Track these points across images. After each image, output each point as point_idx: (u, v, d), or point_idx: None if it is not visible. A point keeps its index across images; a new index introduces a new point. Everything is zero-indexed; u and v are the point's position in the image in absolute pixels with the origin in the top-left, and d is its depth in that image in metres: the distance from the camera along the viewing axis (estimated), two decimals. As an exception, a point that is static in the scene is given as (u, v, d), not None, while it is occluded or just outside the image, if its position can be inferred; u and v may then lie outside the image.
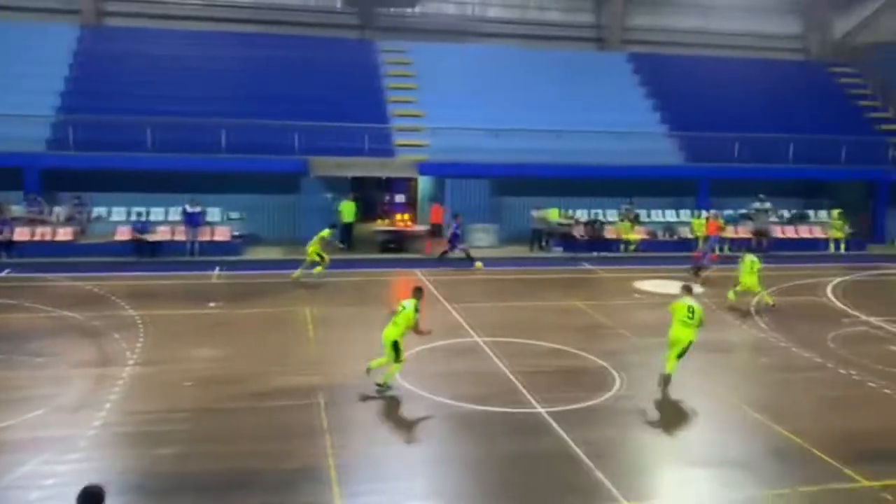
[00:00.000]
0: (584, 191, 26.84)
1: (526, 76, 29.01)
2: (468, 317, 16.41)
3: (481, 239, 25.05)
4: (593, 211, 26.43)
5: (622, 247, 25.07)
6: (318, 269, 19.46)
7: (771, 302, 17.79)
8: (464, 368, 13.17)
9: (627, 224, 25.37)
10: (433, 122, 25.89)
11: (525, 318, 16.70)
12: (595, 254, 24.62)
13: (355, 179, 25.39)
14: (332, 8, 31.41)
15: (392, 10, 31.32)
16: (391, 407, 11.39)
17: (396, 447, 10.15)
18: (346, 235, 23.68)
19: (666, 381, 11.97)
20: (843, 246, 26.28)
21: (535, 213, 25.01)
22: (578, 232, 25.22)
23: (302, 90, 26.66)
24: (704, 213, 26.08)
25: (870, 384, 12.84)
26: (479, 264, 21.84)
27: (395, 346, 11.61)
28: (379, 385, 11.71)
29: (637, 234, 25.46)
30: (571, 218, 25.63)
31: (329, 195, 24.29)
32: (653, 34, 33.46)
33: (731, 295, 17.90)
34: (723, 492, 9.11)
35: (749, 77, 31.22)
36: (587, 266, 23.24)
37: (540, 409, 11.25)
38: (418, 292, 12.10)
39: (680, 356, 11.99)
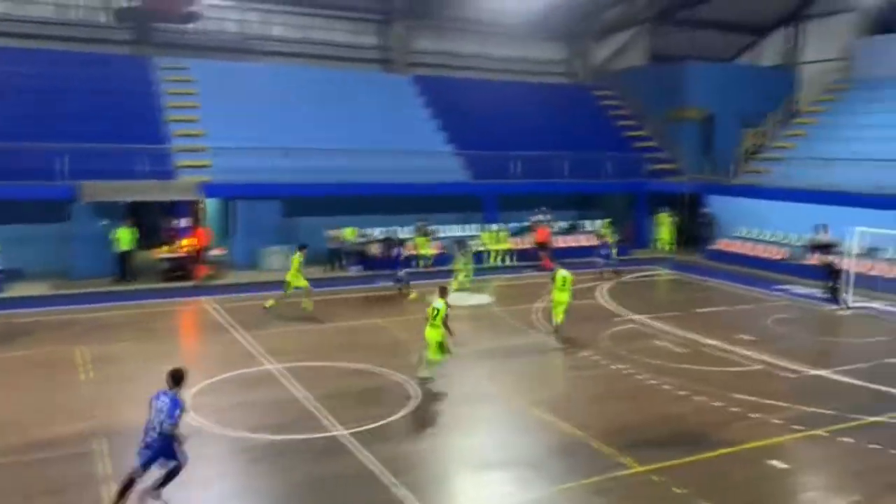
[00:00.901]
0: (377, 209, 27.14)
1: (313, 96, 28.83)
2: (262, 344, 15.89)
3: (276, 262, 24.43)
4: (388, 228, 26.78)
5: (421, 262, 25.65)
6: (306, 303, 18.87)
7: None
8: (259, 398, 12.71)
9: (424, 239, 26.03)
10: (216, 141, 24.86)
11: (322, 340, 16.50)
12: (392, 271, 24.92)
13: (135, 204, 23.68)
14: (103, 23, 29.18)
15: (169, 25, 29.75)
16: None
17: (192, 489, 9.49)
18: (123, 265, 22.06)
19: (557, 329, 16.50)
20: (615, 252, 28.80)
21: (330, 233, 24.86)
22: (375, 250, 25.44)
23: (70, 109, 24.43)
24: (496, 226, 27.65)
25: (637, 377, 14.17)
26: (414, 294, 21.04)
27: (441, 345, 13.24)
28: (424, 378, 13.27)
29: (433, 249, 26.18)
30: (367, 236, 25.77)
31: (104, 222, 22.44)
32: (436, 57, 34.75)
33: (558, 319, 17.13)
34: (517, 492, 9.56)
35: (524, 99, 33.40)
36: (385, 283, 23.47)
37: (340, 432, 11.14)
38: (444, 291, 13.92)
39: (565, 311, 16.54)
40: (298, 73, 30.45)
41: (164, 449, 8.55)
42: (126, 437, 10.85)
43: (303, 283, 18.87)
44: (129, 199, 22.94)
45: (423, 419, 11.78)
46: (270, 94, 28.10)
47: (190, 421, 11.36)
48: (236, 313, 18.69)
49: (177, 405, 8.57)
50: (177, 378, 8.82)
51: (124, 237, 22.10)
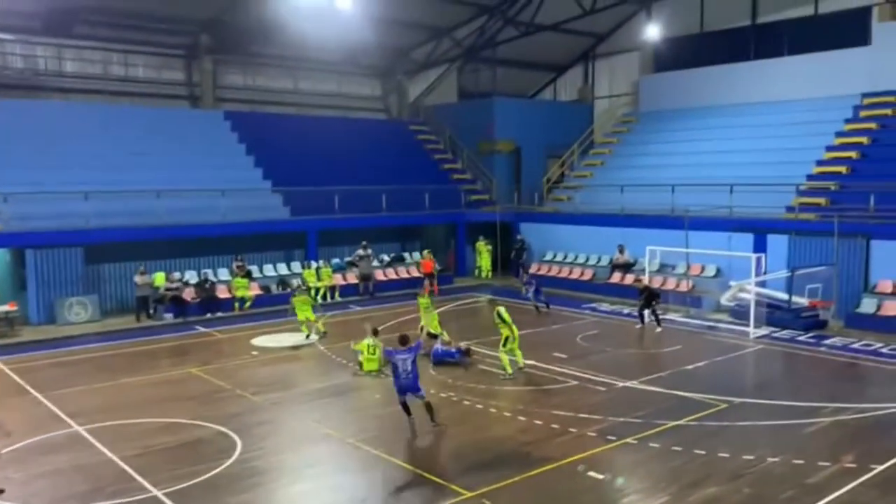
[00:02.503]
0: (190, 251, 25.88)
1: (117, 133, 27.02)
2: (64, 404, 14.50)
3: (79, 314, 22.54)
4: (203, 271, 25.60)
5: (236, 305, 24.67)
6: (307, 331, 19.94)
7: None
8: (66, 464, 11.55)
9: (242, 280, 25.01)
10: (3, 186, 22.64)
11: (133, 395, 15.32)
12: (209, 315, 23.84)
13: None
14: None
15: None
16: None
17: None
18: None
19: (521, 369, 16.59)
20: (435, 282, 29.44)
21: (137, 280, 23.31)
22: (189, 294, 24.17)
23: None
24: (317, 263, 27.30)
25: (465, 402, 14.48)
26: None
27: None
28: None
29: (252, 291, 25.29)
30: (179, 280, 24.41)
31: None
32: (246, 93, 33.97)
33: (445, 336, 18.32)
34: (348, 534, 9.37)
35: (342, 134, 33.43)
36: (200, 329, 22.35)
37: (156, 493, 10.36)
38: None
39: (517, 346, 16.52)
40: (99, 110, 28.47)
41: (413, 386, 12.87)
42: None
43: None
44: None
45: (245, 470, 11.25)
46: (67, 133, 26.03)
47: (-24, 501, 10.17)
48: (32, 373, 16.96)
49: (415, 350, 13.02)
50: (403, 340, 13.21)
51: None
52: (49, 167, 24.22)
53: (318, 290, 26.31)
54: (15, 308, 21.69)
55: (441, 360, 17.33)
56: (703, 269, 24.95)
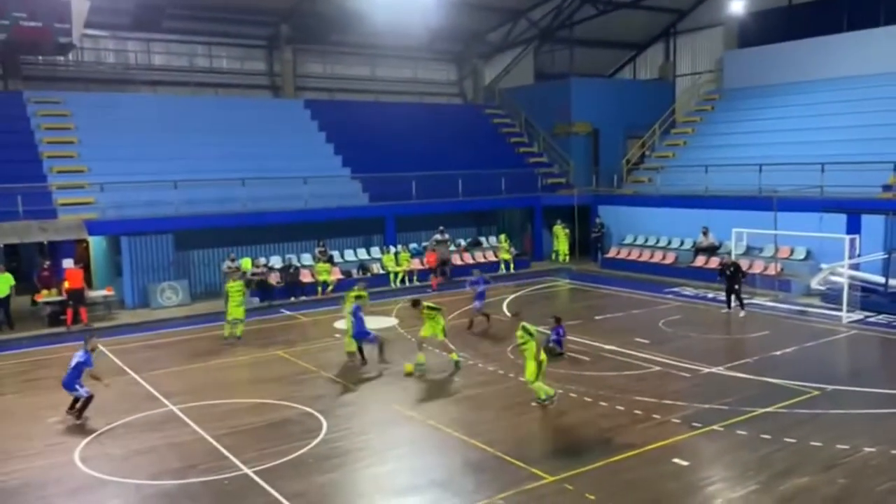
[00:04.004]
0: (274, 237, 26.65)
1: (202, 124, 28.06)
2: (160, 384, 15.21)
3: (171, 298, 23.54)
4: (287, 256, 26.32)
5: (319, 289, 25.25)
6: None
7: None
8: (160, 442, 12.12)
9: (324, 265, 25.62)
10: (99, 177, 23.79)
11: (222, 377, 15.94)
12: (293, 299, 24.50)
13: (14, 247, 22.25)
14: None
15: (41, 58, 28.28)
16: (81, 501, 10.06)
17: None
18: (6, 314, 20.68)
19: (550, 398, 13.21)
20: (511, 266, 29.38)
21: (226, 268, 24.11)
22: (274, 279, 24.88)
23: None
24: (396, 248, 27.69)
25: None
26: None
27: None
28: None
29: (334, 275, 25.85)
30: (265, 265, 25.17)
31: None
32: (326, 82, 34.58)
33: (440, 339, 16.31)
34: (431, 515, 9.50)
35: (418, 119, 33.67)
36: (285, 312, 23.00)
37: (246, 470, 10.77)
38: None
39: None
40: (185, 102, 29.60)
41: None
42: (20, 496, 10.17)
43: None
44: (9, 241, 21.56)
45: (330, 450, 11.54)
46: (156, 124, 27.15)
47: (89, 472, 10.80)
48: (128, 355, 17.83)
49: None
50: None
51: (3, 283, 20.61)
52: (140, 158, 25.36)
53: (396, 273, 26.73)
54: (112, 293, 22.85)
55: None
56: (792, 251, 23.99)
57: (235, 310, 18.79)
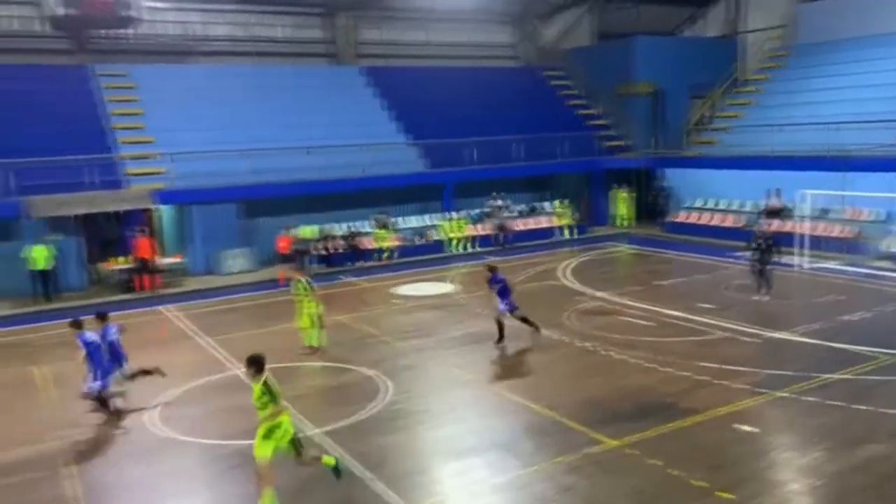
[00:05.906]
0: (334, 205, 26.96)
1: (262, 93, 28.45)
2: (227, 349, 15.69)
3: (236, 265, 24.15)
4: (348, 223, 26.63)
5: (376, 255, 25.54)
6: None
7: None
8: (230, 404, 12.54)
9: (384, 232, 25.91)
10: (165, 147, 24.41)
11: (287, 341, 16.29)
12: (354, 265, 24.86)
13: (86, 216, 23.10)
14: (39, 32, 28.29)
15: (106, 31, 29.00)
16: (155, 461, 10.54)
17: (176, 500, 9.41)
18: (45, 286, 20.90)
19: None
20: (574, 231, 29.10)
21: (290, 233, 24.58)
22: (335, 246, 25.26)
23: (9, 123, 23.70)
24: (455, 214, 27.75)
25: (604, 353, 14.35)
26: None
27: None
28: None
29: (393, 241, 26.10)
30: (336, 237, 25.52)
31: (55, 237, 21.81)
32: (383, 48, 34.52)
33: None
34: (491, 476, 9.61)
35: (475, 84, 33.38)
36: (347, 279, 23.38)
37: (315, 431, 11.08)
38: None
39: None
40: (245, 71, 30.00)
41: None
42: (94, 456, 10.72)
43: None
44: (80, 211, 22.41)
45: (394, 412, 11.78)
46: (217, 94, 27.66)
47: (162, 433, 11.30)
48: (198, 320, 18.44)
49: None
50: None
51: (39, 255, 20.84)
52: (204, 128, 25.89)
53: (454, 240, 26.84)
54: (180, 259, 23.60)
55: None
56: (864, 213, 23.07)
57: (298, 318, 15.77)
